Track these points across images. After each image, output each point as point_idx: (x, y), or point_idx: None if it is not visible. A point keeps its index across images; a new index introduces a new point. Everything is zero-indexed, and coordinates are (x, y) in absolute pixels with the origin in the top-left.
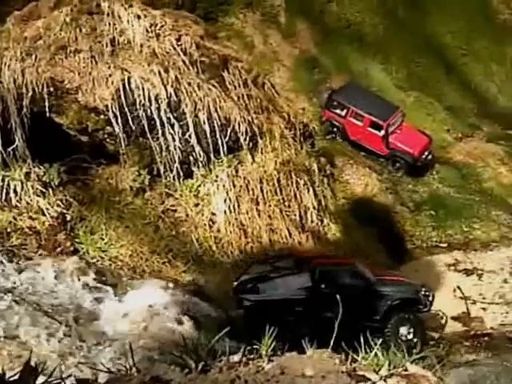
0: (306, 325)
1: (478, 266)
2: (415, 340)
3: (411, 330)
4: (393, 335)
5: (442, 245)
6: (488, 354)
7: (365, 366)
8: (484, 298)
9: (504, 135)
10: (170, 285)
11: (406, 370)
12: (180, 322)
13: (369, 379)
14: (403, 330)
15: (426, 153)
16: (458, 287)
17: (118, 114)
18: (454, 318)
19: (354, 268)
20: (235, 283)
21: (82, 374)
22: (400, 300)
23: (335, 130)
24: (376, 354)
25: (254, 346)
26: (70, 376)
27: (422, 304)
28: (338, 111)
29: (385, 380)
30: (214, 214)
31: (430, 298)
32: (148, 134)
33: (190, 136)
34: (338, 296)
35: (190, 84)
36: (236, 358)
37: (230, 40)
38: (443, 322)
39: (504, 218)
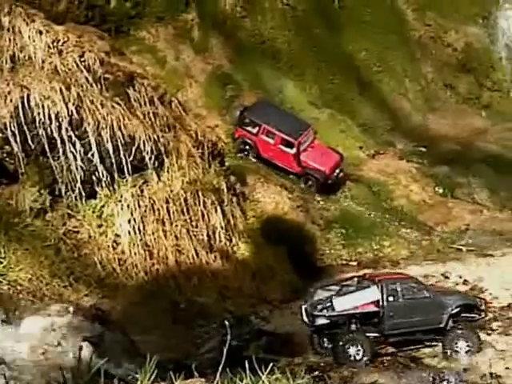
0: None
1: None
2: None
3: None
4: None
5: (351, 263)
6: (391, 374)
7: None
8: None
9: (416, 152)
10: (71, 309)
11: None
12: (79, 349)
13: None
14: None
15: (338, 170)
16: None
17: (16, 132)
18: None
19: (414, 281)
20: (304, 307)
21: None
22: (460, 306)
23: (247, 147)
24: (262, 381)
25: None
26: None
27: (479, 309)
28: (249, 129)
29: None
30: (118, 235)
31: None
32: (49, 153)
33: (92, 155)
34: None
35: (92, 102)
36: None
37: (141, 55)
38: None
39: (414, 235)
